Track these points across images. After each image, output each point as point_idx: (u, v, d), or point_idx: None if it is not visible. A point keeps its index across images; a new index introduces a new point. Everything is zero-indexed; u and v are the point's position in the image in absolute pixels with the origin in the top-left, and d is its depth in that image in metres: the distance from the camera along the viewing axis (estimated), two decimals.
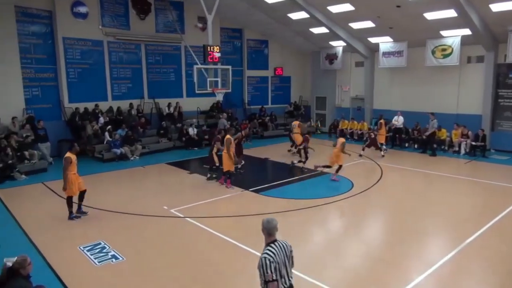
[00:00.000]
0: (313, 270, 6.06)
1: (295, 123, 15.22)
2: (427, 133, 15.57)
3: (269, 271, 3.53)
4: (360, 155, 14.69)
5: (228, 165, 10.57)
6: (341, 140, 11.77)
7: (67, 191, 8.30)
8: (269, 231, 3.70)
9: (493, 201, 9.71)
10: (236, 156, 11.37)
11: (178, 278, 5.91)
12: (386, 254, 6.77)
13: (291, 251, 3.79)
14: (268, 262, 3.54)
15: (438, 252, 6.81)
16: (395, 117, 16.85)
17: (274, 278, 3.53)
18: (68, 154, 8.33)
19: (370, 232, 8.21)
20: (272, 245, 3.67)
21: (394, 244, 7.22)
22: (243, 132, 13.41)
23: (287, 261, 3.73)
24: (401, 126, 16.80)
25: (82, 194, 8.58)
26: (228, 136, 10.70)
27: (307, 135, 13.30)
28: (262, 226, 3.72)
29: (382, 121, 15.34)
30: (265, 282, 3.54)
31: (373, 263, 6.44)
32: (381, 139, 15.24)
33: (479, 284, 5.94)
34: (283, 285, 3.68)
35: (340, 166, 11.52)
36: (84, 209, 8.70)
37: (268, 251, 3.61)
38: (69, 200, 8.37)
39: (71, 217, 8.37)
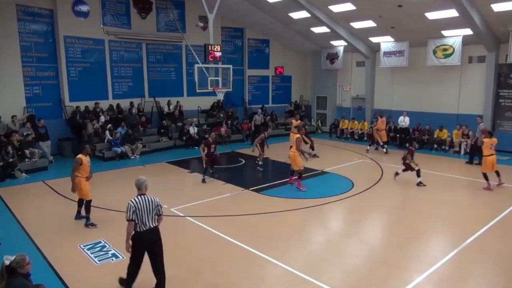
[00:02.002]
0: (313, 270, 6.06)
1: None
2: (476, 139, 13.52)
3: (128, 214, 4.95)
4: (367, 151, 15.32)
5: (297, 164, 10.33)
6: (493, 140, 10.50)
7: (79, 194, 7.96)
8: (138, 186, 5.13)
9: (493, 201, 9.70)
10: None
11: (179, 278, 5.91)
12: (386, 254, 6.76)
13: (157, 205, 5.09)
14: (129, 206, 4.95)
15: (439, 252, 6.80)
16: (401, 117, 16.72)
17: (131, 219, 4.95)
18: (79, 155, 7.95)
19: (370, 232, 8.19)
20: (139, 196, 5.04)
21: (394, 244, 7.21)
22: (266, 133, 13.52)
23: (147, 211, 4.98)
24: (407, 126, 16.64)
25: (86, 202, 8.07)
26: (298, 135, 10.55)
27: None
28: (135, 183, 5.14)
29: (380, 118, 15.62)
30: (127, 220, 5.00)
31: (373, 263, 6.43)
32: (383, 137, 15.46)
33: (480, 284, 5.93)
34: (143, 226, 4.99)
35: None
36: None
37: (133, 199, 4.99)
38: (88, 204, 7.99)
39: (87, 223, 7.93)
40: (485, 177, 10.43)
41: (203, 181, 11.20)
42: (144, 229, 4.99)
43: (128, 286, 5.32)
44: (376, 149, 15.66)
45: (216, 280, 5.85)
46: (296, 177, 10.51)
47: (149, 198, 5.06)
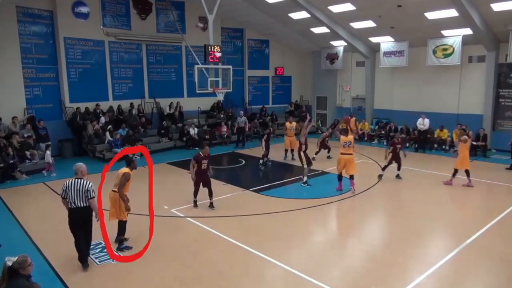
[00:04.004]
0: (313, 270, 6.07)
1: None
2: None
3: (61, 192, 6.12)
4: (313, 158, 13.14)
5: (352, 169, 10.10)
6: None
7: (114, 214, 6.92)
8: (74, 171, 6.11)
9: (493, 201, 9.71)
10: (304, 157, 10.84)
11: (180, 278, 5.92)
12: (386, 254, 6.76)
13: (87, 190, 5.95)
14: (62, 186, 6.07)
15: (439, 252, 6.81)
16: (420, 120, 16.31)
17: (62, 197, 6.11)
18: (127, 170, 6.95)
19: (370, 232, 8.21)
20: (73, 180, 6.02)
21: (395, 244, 7.22)
22: (326, 132, 12.46)
23: (76, 192, 5.94)
24: (427, 128, 16.19)
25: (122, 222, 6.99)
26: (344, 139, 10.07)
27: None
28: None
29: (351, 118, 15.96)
30: None
31: (374, 263, 6.43)
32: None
33: (480, 284, 5.94)
34: (73, 204, 5.98)
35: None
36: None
37: (67, 181, 6.04)
38: (123, 226, 6.98)
39: (120, 247, 6.86)
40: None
41: (195, 204, 9.27)
42: (74, 207, 5.97)
43: (79, 259, 6.16)
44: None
45: (217, 280, 5.86)
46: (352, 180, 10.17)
47: (81, 182, 5.98)
